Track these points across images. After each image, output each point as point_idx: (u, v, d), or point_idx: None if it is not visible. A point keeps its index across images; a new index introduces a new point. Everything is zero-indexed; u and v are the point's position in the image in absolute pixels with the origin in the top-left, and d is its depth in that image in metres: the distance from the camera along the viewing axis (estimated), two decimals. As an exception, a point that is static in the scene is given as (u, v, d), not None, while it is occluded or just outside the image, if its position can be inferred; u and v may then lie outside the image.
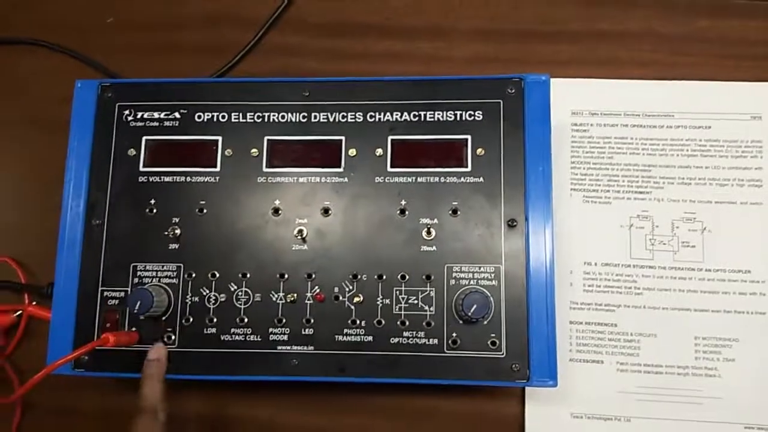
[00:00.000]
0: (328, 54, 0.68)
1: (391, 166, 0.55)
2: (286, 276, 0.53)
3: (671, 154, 0.62)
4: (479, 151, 0.54)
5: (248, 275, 0.53)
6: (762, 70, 0.64)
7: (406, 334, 0.52)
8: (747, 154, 0.62)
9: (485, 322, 0.52)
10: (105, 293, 0.54)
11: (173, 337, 0.53)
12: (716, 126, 0.62)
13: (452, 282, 0.53)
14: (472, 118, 0.55)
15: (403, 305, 0.53)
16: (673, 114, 0.63)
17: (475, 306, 0.50)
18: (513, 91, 0.55)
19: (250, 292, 0.53)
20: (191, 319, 0.53)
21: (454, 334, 0.52)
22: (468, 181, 0.54)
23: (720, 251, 0.60)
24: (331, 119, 0.56)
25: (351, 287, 0.53)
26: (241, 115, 0.56)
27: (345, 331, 0.53)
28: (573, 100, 0.64)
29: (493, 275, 0.53)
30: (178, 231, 0.54)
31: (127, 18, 0.71)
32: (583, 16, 0.67)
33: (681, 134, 0.62)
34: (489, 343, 0.52)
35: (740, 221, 0.60)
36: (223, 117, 0.56)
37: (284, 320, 0.53)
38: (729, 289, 0.59)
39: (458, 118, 0.55)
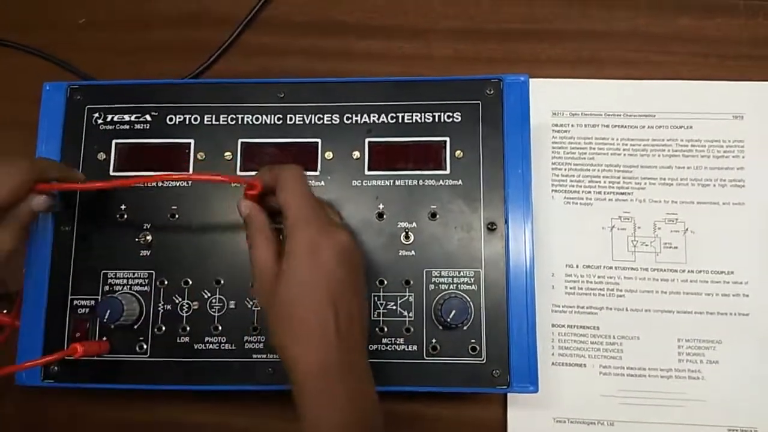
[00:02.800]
0: (306, 54, 0.67)
1: (369, 169, 0.54)
2: (261, 282, 0.52)
3: (653, 154, 0.61)
4: (458, 153, 0.53)
5: (222, 282, 0.52)
6: (744, 69, 0.64)
7: (385, 340, 0.51)
8: (729, 154, 0.61)
9: (465, 328, 0.51)
10: (75, 301, 0.53)
11: (145, 347, 0.52)
12: (698, 126, 0.62)
13: (431, 287, 0.52)
14: (451, 119, 0.54)
15: (381, 311, 0.52)
16: (654, 114, 0.62)
17: (454, 311, 0.49)
18: (492, 92, 0.54)
19: (224, 299, 0.52)
20: (164, 328, 0.52)
21: (434, 340, 0.51)
22: (447, 184, 0.53)
23: (702, 252, 0.59)
24: (307, 121, 0.54)
25: (328, 293, 0.52)
26: (213, 117, 0.55)
27: (322, 338, 0.51)
28: (554, 101, 0.63)
29: (472, 280, 0.52)
30: (149, 237, 0.53)
31: (100, 18, 0.69)
32: (564, 16, 0.66)
33: (662, 134, 0.62)
34: (469, 348, 0.51)
35: (723, 222, 0.60)
36: (196, 119, 0.55)
37: (260, 328, 0.51)
38: (712, 290, 0.59)
39: (436, 120, 0.54)
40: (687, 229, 0.60)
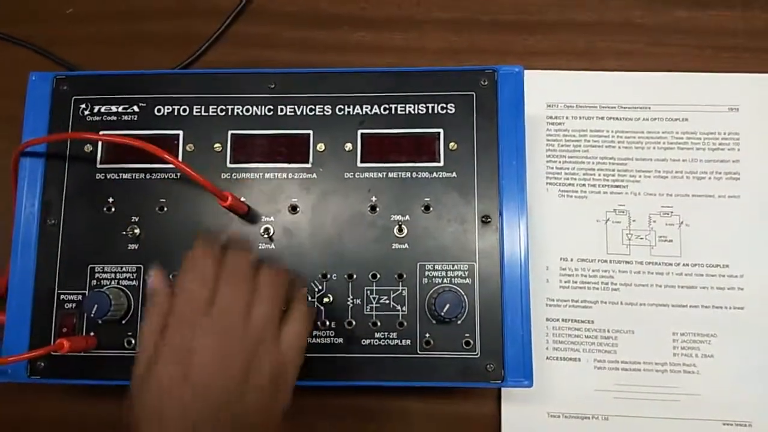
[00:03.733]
0: (298, 45, 0.66)
1: (361, 161, 0.53)
2: (251, 276, 0.51)
3: (648, 147, 0.61)
4: (452, 145, 0.53)
5: (212, 276, 0.51)
6: (740, 61, 0.63)
7: (377, 335, 0.51)
8: (724, 146, 0.61)
9: (459, 322, 0.50)
10: (62, 296, 0.52)
11: (133, 342, 0.51)
12: (693, 118, 0.61)
13: (425, 281, 0.51)
14: (445, 111, 0.53)
15: (374, 305, 0.51)
16: (649, 106, 0.62)
17: (448, 305, 0.48)
18: (486, 83, 0.53)
19: (214, 293, 0.51)
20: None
21: (428, 335, 0.50)
22: (440, 176, 0.52)
23: (697, 245, 0.59)
24: (298, 112, 0.54)
25: (320, 287, 0.51)
26: (203, 108, 0.54)
27: (314, 333, 0.51)
28: (548, 93, 0.62)
29: (467, 273, 0.51)
30: (137, 230, 0.52)
31: (88, 8, 0.68)
32: (559, 7, 0.66)
33: (658, 127, 0.61)
34: (463, 343, 0.50)
35: (718, 215, 0.59)
36: (185, 110, 0.54)
37: (250, 323, 0.50)
38: (707, 283, 0.58)
39: (430, 111, 0.53)
40: (682, 222, 0.59)
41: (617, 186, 0.60)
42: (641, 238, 0.59)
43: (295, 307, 0.43)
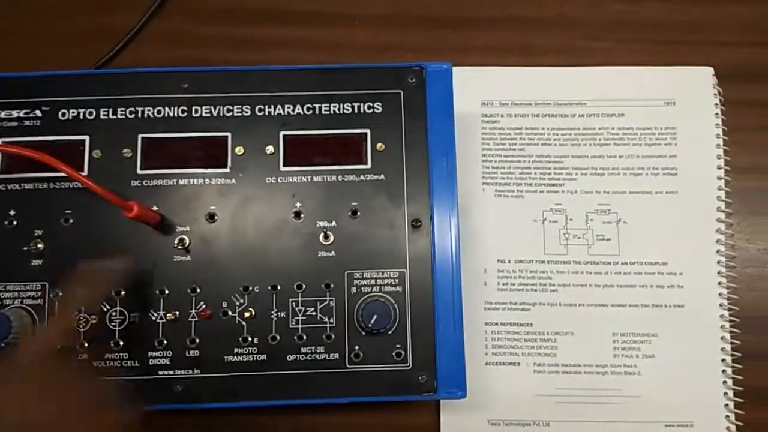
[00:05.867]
0: (222, 42, 0.62)
1: (284, 165, 0.50)
2: (166, 291, 0.48)
3: (584, 143, 0.59)
4: (379, 146, 0.50)
5: (122, 292, 0.47)
6: (676, 54, 0.62)
7: (304, 349, 0.48)
8: (661, 141, 0.60)
9: (390, 332, 0.48)
10: (-41, 319, 0.47)
11: (39, 366, 0.47)
12: (630, 113, 0.60)
13: (353, 290, 0.48)
14: (371, 110, 0.51)
15: (300, 318, 0.48)
16: (585, 102, 0.60)
17: (375, 316, 0.46)
18: (414, 80, 0.51)
19: (125, 311, 0.47)
20: (59, 345, 0.47)
21: (357, 347, 0.48)
22: (368, 179, 0.50)
23: (636, 243, 0.58)
24: (215, 113, 0.50)
25: (241, 301, 0.48)
26: (111, 111, 0.50)
27: (235, 350, 0.47)
28: (483, 90, 0.60)
29: (397, 281, 0.49)
30: (41, 245, 0.48)
31: (-4, 4, 0.63)
32: (494, 2, 0.64)
33: (593, 123, 0.60)
34: (394, 354, 0.48)
35: (655, 212, 0.58)
36: (91, 114, 0.50)
37: (165, 341, 0.47)
38: (646, 282, 0.57)
39: (356, 111, 0.51)
40: (620, 220, 0.58)
41: (554, 185, 0.58)
42: (579, 238, 0.58)
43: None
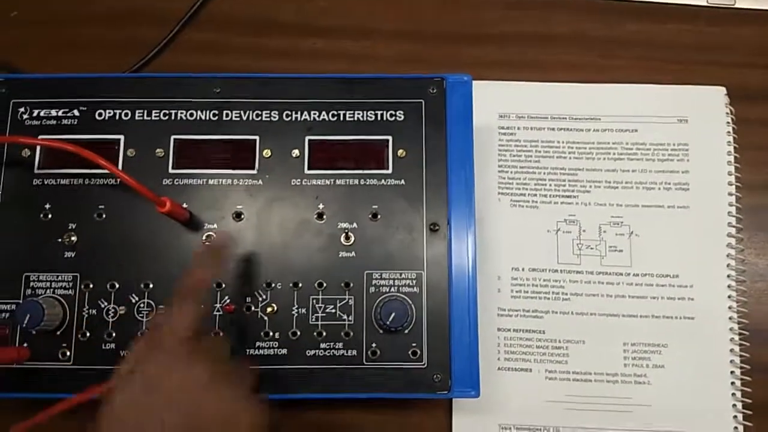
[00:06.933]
0: (249, 52, 0.65)
1: (309, 168, 0.52)
2: (193, 285, 0.49)
3: (598, 157, 0.61)
4: (400, 152, 0.52)
5: (151, 286, 0.49)
6: (689, 73, 0.64)
7: (323, 345, 0.49)
8: (674, 157, 0.61)
9: (406, 332, 0.49)
10: (-7, 306, 0.49)
11: (68, 353, 0.49)
12: (643, 129, 0.62)
13: (372, 289, 0.50)
14: (394, 118, 0.53)
15: (320, 315, 0.50)
16: (599, 117, 0.62)
17: (393, 314, 0.48)
18: (435, 91, 0.53)
19: (153, 303, 0.49)
20: (88, 334, 0.49)
21: (374, 345, 0.49)
22: (389, 183, 0.52)
23: (647, 256, 0.59)
24: (245, 117, 0.52)
25: (264, 296, 0.50)
26: (145, 112, 0.52)
27: (257, 344, 0.49)
28: (500, 103, 0.62)
29: (414, 282, 0.50)
30: (74, 238, 0.50)
31: (35, 12, 0.66)
32: (510, 19, 0.66)
33: (608, 137, 0.61)
34: (410, 353, 0.49)
35: (667, 225, 0.60)
36: (126, 114, 0.52)
37: (190, 333, 0.49)
38: (657, 293, 0.58)
39: (379, 118, 0.53)
40: (632, 233, 0.59)
41: (568, 196, 0.60)
42: (591, 248, 0.59)
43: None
